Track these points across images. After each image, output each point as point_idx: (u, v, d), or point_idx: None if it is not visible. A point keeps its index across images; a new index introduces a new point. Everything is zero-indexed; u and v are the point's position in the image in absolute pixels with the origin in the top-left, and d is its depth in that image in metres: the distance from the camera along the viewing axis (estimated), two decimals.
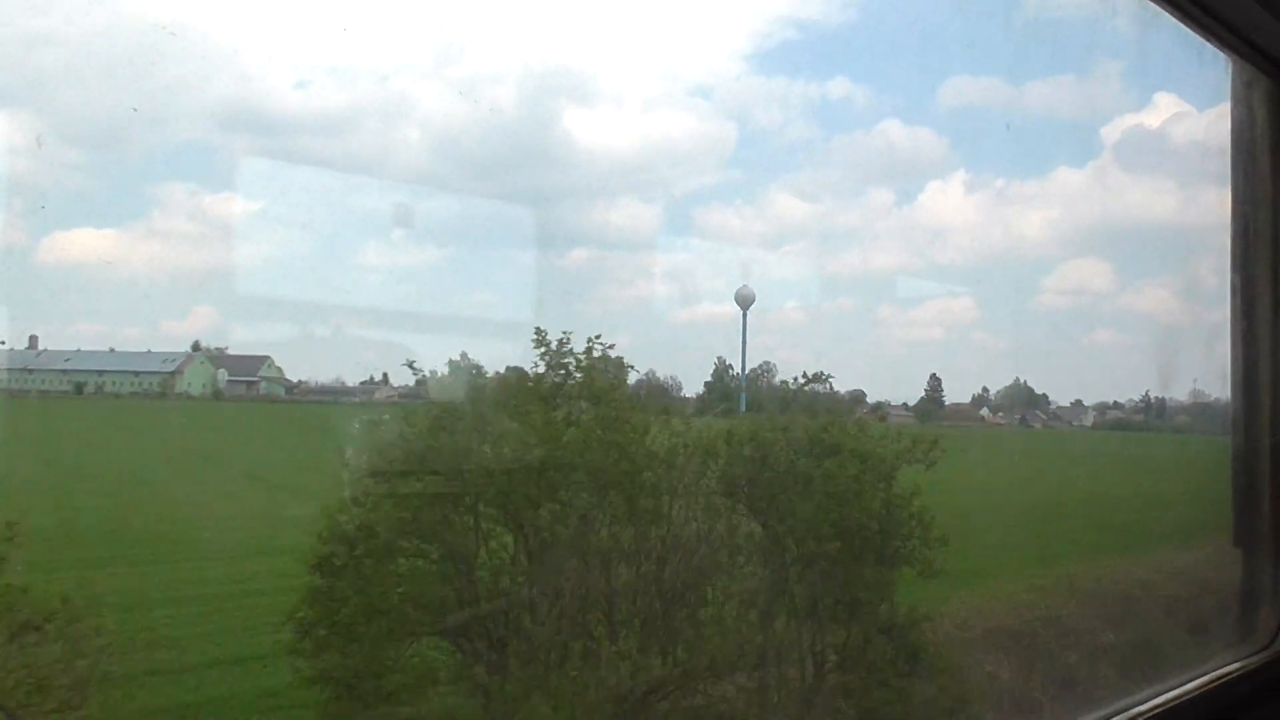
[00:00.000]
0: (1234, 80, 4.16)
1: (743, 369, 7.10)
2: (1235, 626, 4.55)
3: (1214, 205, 4.58)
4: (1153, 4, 3.45)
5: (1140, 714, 3.41)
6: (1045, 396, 26.86)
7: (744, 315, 7.44)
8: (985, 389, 26.70)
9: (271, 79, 6.29)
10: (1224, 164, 4.40)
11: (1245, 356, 4.44)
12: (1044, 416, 27.17)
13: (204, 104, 5.77)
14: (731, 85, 8.24)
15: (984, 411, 27.86)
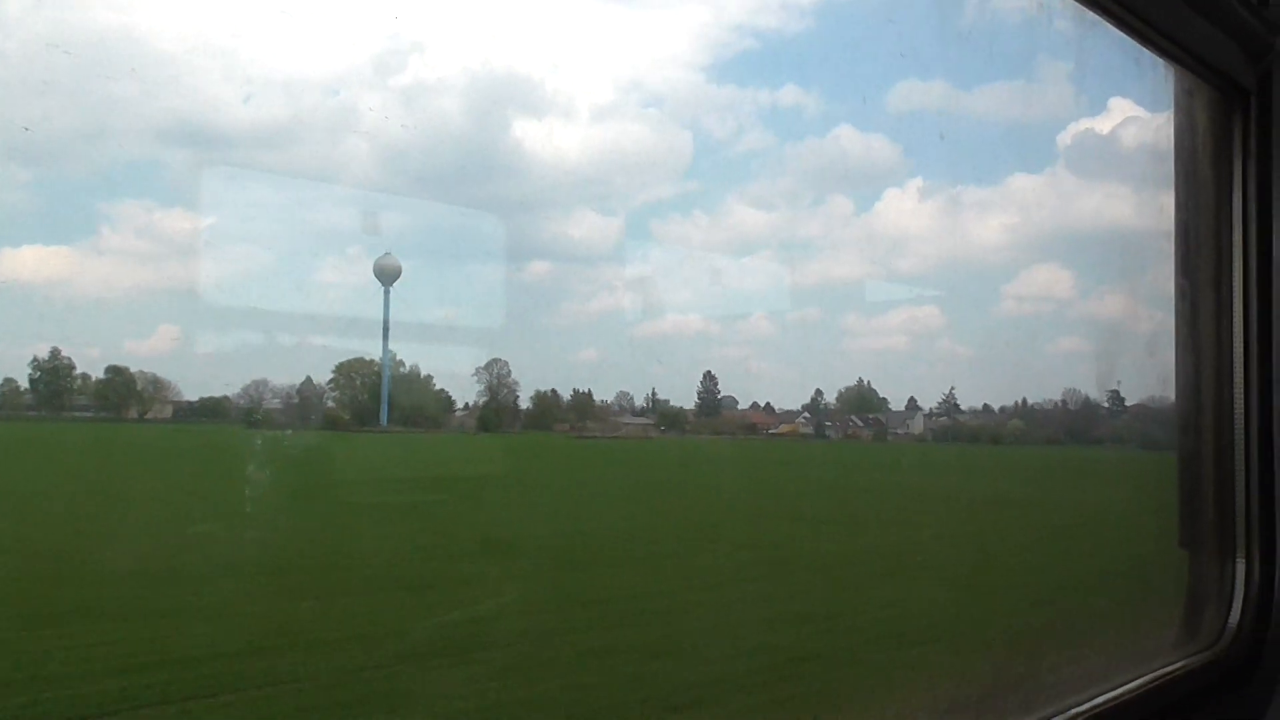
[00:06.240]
0: (1175, 88, 4.21)
1: (384, 352, 5.35)
2: (1181, 626, 4.61)
3: (1162, 209, 4.63)
4: (1090, 13, 3.48)
5: (1080, 714, 3.43)
6: (886, 401, 26.62)
7: (386, 292, 5.36)
8: (820, 392, 25.95)
9: (218, 92, 6.18)
10: (1169, 168, 4.45)
11: (1190, 362, 4.50)
12: (858, 423, 27.06)
13: (149, 118, 5.66)
14: (688, 94, 8.20)
15: (803, 417, 27.60)
